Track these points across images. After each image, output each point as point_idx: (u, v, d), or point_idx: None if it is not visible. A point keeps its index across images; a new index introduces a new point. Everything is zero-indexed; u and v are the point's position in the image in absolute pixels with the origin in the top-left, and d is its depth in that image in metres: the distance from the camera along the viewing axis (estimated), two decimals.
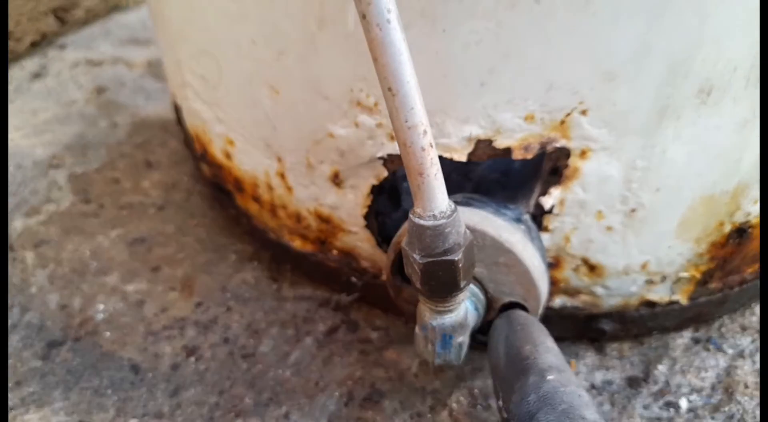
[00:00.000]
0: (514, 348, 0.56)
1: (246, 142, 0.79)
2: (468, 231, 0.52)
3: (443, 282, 0.52)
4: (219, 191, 0.96)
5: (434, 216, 0.50)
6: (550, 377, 0.50)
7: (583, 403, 0.49)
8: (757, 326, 0.84)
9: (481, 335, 0.69)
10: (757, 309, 0.87)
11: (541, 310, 0.65)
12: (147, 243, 1.02)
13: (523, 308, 0.64)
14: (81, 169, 1.19)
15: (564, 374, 0.51)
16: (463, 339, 0.59)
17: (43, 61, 1.57)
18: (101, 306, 0.91)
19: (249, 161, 0.82)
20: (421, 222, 0.50)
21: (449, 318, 0.56)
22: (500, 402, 0.55)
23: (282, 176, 0.78)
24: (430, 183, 0.49)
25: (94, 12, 1.76)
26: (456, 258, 0.51)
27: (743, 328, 0.84)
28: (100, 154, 1.23)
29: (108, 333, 0.87)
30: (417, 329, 0.60)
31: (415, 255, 0.51)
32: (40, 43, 1.63)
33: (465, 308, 0.58)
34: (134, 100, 1.40)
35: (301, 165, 0.75)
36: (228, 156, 0.85)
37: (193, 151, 0.99)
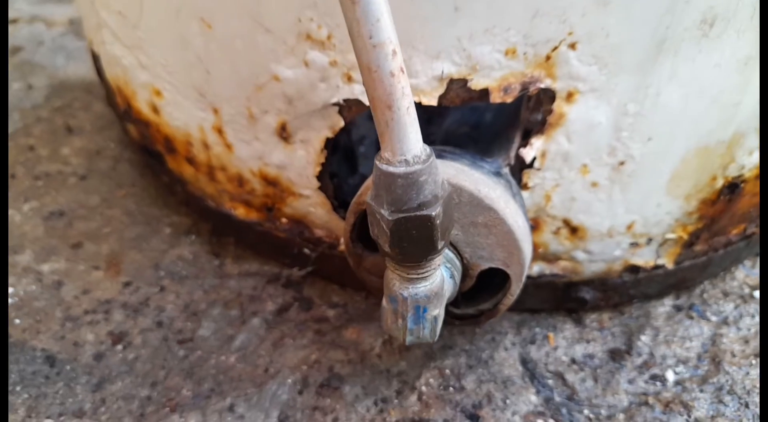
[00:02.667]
0: None
1: (175, 92, 0.68)
2: (447, 182, 0.43)
3: (417, 242, 0.43)
4: (149, 155, 0.84)
5: (406, 162, 0.40)
6: None
7: None
8: (739, 292, 0.80)
9: (453, 307, 0.61)
10: (738, 273, 0.82)
11: (524, 277, 0.57)
12: (66, 217, 0.89)
13: (505, 275, 0.55)
14: None
15: None
16: (439, 311, 0.50)
17: None
18: (11, 290, 0.79)
19: (180, 115, 0.70)
20: (390, 169, 0.40)
21: (423, 287, 0.47)
22: None
23: (219, 131, 0.67)
24: (401, 119, 0.39)
25: None
26: (433, 214, 0.41)
27: (725, 294, 0.79)
28: (12, 119, 1.09)
29: (18, 321, 0.75)
30: (384, 302, 0.50)
31: (382, 211, 0.42)
32: None
33: (441, 275, 0.49)
34: (53, 61, 1.25)
35: (242, 116, 0.64)
36: (155, 110, 0.73)
37: (116, 109, 0.86)
